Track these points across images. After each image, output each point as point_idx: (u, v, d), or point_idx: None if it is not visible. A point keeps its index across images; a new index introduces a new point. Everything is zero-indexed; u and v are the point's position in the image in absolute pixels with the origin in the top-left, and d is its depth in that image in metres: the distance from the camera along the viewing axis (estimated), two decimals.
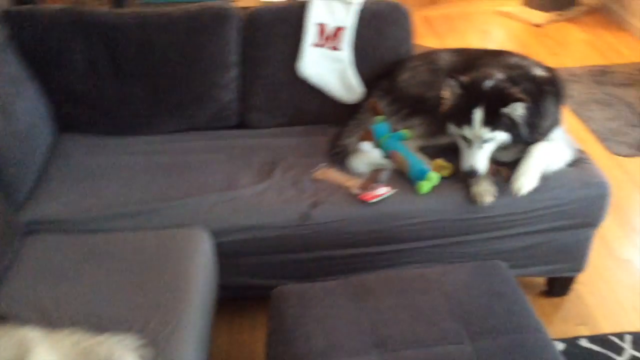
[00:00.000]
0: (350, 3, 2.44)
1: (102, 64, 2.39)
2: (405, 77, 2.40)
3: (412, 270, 1.86)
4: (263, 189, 2.15)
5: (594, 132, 3.39)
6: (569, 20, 4.80)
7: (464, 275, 1.81)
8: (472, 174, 2.02)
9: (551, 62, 4.14)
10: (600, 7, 4.92)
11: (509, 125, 1.98)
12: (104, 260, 1.90)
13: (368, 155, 2.24)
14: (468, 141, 2.02)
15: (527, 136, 2.02)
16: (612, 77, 3.93)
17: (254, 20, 2.47)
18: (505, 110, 1.95)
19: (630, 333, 2.22)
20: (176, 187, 2.16)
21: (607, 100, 3.68)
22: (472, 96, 1.98)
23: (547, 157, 2.07)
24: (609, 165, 3.08)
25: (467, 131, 1.99)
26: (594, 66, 4.11)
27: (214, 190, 2.14)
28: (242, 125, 2.55)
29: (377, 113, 2.36)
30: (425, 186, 2.09)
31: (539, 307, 2.34)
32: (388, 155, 2.23)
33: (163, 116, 2.47)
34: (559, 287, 2.39)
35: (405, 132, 2.28)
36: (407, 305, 1.69)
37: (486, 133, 1.97)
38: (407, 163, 2.16)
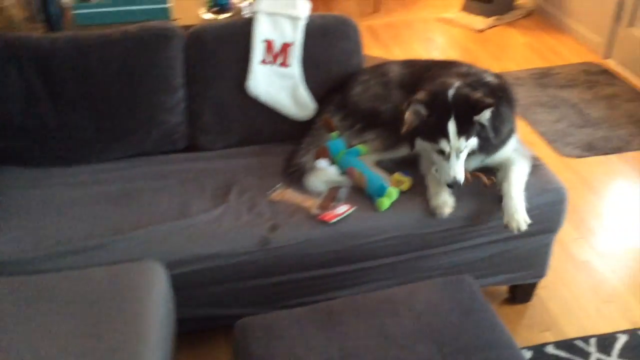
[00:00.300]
0: (296, 18, 2.39)
1: (39, 92, 2.26)
2: (356, 92, 2.36)
3: (379, 292, 1.81)
4: (218, 214, 2.07)
5: (542, 134, 3.44)
6: (509, 24, 4.90)
7: (431, 293, 1.77)
8: (455, 185, 1.98)
9: (495, 67, 4.23)
10: (537, 9, 5.04)
11: (479, 130, 1.97)
12: (52, 303, 1.76)
13: (325, 172, 2.19)
14: (445, 154, 1.97)
15: (493, 140, 2.01)
16: (554, 79, 4.02)
17: (198, 39, 2.39)
18: (477, 117, 1.94)
19: (594, 336, 2.24)
20: (125, 219, 2.05)
21: (552, 102, 3.75)
22: (441, 110, 1.94)
23: (522, 184, 2.07)
24: (559, 168, 3.13)
25: (444, 145, 1.95)
26: (535, 69, 4.19)
27: (166, 219, 2.04)
28: (192, 148, 2.46)
29: (330, 129, 2.31)
30: (386, 202, 2.05)
31: (503, 316, 2.31)
32: (345, 172, 2.18)
33: (107, 143, 2.35)
34: (521, 294, 2.39)
35: (361, 147, 2.24)
36: (377, 330, 1.64)
37: (463, 142, 1.95)
38: (365, 179, 2.12)
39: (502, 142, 2.09)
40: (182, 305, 1.99)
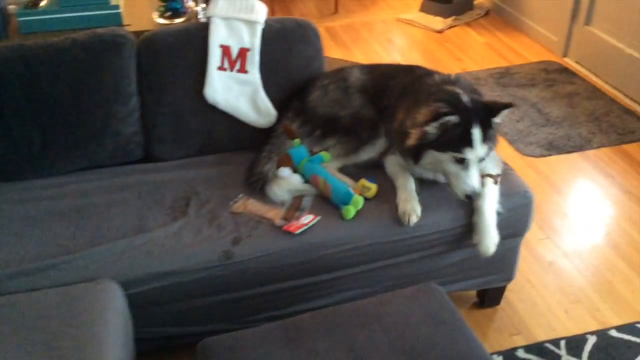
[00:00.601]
0: (253, 22, 2.31)
1: None
2: (314, 97, 2.30)
3: (347, 305, 1.74)
4: (177, 229, 1.97)
5: (504, 134, 3.43)
6: (467, 24, 4.92)
7: (400, 304, 1.72)
8: (474, 196, 1.90)
9: (456, 68, 4.24)
10: (494, 9, 5.07)
11: (492, 134, 1.92)
12: (1, 329, 1.66)
13: (288, 181, 2.12)
14: (464, 163, 1.88)
15: (492, 144, 1.97)
16: (514, 79, 4.03)
17: (151, 45, 2.29)
18: (497, 119, 1.90)
19: (563, 338, 2.22)
20: (78, 236, 1.94)
21: (513, 101, 3.74)
22: (464, 118, 1.85)
23: (496, 199, 2.02)
24: (522, 167, 3.13)
25: (469, 153, 1.86)
26: (495, 69, 4.20)
27: (122, 235, 1.94)
28: (148, 158, 2.37)
29: (291, 136, 2.24)
30: (352, 210, 1.99)
31: (472, 321, 2.31)
32: (308, 180, 2.12)
33: (58, 156, 2.24)
34: (490, 297, 2.37)
35: (324, 154, 2.18)
36: (346, 346, 1.58)
37: (485, 149, 1.89)
38: (330, 187, 2.05)
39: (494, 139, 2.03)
40: (141, 324, 1.90)
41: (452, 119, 1.84)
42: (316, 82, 2.34)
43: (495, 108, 1.90)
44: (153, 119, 2.33)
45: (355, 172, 2.16)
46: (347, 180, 2.11)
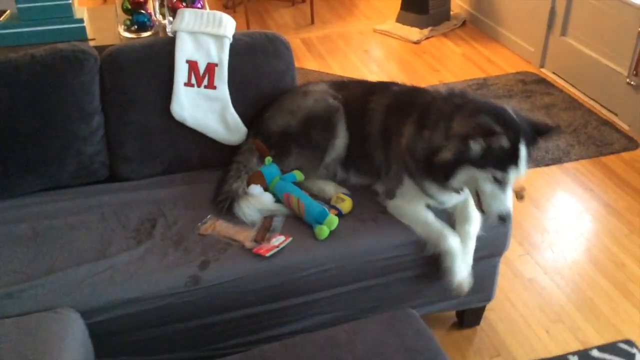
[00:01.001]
0: (221, 37, 2.23)
1: None
2: (269, 114, 2.22)
3: (319, 333, 1.66)
4: (142, 253, 1.88)
5: None
6: (444, 35, 4.89)
7: (374, 332, 1.64)
8: (507, 217, 1.78)
9: (433, 79, 4.19)
10: (471, 20, 5.05)
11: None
12: None
13: (259, 199, 2.04)
14: (502, 183, 1.75)
15: None
16: (492, 90, 4.00)
17: (115, 60, 2.20)
18: (543, 139, 1.82)
19: (545, 359, 2.16)
20: (36, 262, 1.84)
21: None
22: (514, 135, 1.71)
23: (478, 229, 1.96)
24: None
25: (512, 173, 1.73)
26: (473, 80, 4.17)
27: (84, 261, 1.85)
28: (114, 178, 2.27)
29: (263, 154, 2.16)
30: (326, 230, 1.92)
31: (451, 342, 2.25)
32: (280, 200, 2.04)
33: (16, 177, 2.13)
34: (470, 318, 2.30)
35: (297, 173, 2.11)
36: None
37: (526, 168, 1.77)
38: (303, 205, 1.98)
39: None
40: (103, 355, 1.80)
41: (503, 141, 1.69)
42: (278, 98, 2.26)
43: (543, 129, 1.81)
44: (118, 138, 2.24)
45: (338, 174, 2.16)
46: (329, 187, 2.08)
